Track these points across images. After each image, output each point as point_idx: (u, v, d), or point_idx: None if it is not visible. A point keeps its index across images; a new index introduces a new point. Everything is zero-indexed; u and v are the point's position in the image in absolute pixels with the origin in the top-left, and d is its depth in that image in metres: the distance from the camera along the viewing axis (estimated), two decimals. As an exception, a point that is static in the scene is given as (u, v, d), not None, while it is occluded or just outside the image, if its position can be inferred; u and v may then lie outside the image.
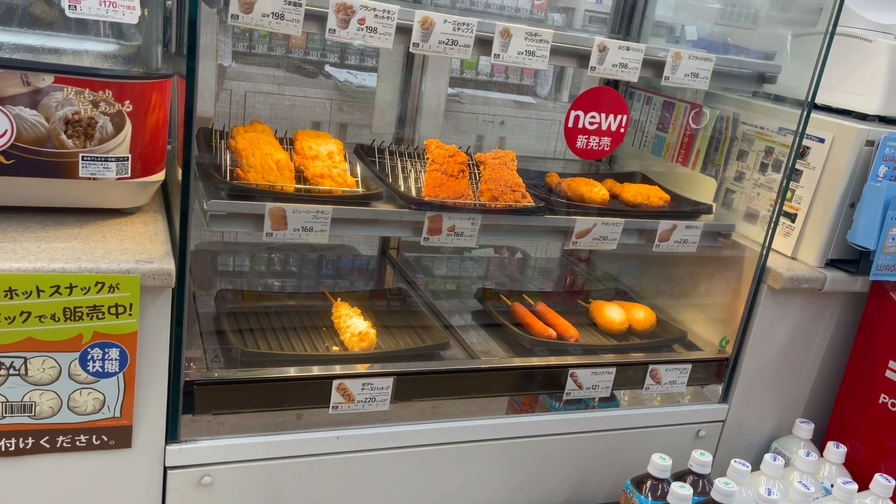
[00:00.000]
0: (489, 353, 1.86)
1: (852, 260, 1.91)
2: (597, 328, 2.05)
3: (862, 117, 1.96)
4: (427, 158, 1.73)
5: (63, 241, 1.36)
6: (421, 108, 2.35)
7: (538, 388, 1.82)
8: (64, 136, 1.34)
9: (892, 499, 1.78)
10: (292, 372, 1.57)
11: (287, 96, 3.12)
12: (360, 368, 1.62)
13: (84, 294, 1.29)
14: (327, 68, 3.37)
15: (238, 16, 1.33)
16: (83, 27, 1.46)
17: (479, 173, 1.78)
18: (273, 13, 1.35)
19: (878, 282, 1.91)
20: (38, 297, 1.26)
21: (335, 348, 1.71)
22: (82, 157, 1.36)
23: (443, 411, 1.74)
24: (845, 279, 1.90)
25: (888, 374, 1.89)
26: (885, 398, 1.90)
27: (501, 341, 1.93)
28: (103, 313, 1.31)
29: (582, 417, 1.86)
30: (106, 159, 1.38)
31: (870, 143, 1.82)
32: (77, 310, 1.29)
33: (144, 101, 1.39)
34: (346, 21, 1.41)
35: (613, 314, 2.02)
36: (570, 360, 1.83)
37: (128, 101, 1.36)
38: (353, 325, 1.72)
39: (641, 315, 2.04)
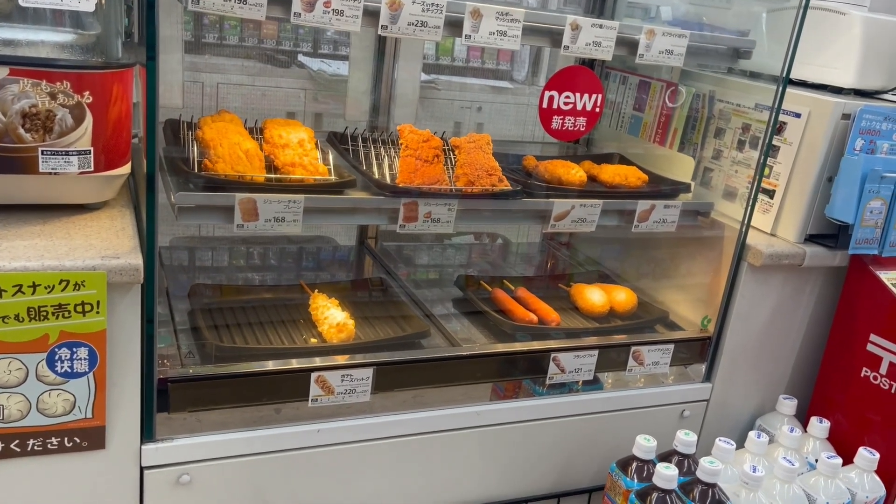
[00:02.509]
0: (471, 340, 1.84)
1: (831, 234, 1.90)
2: (578, 311, 2.04)
3: (837, 91, 1.95)
4: (401, 144, 1.70)
5: (25, 239, 1.31)
6: (395, 96, 2.31)
7: (521, 373, 1.81)
8: (22, 131, 1.29)
9: (876, 471, 1.78)
10: (269, 366, 1.54)
11: (259, 87, 3.07)
12: (339, 360, 1.60)
13: (48, 293, 1.24)
14: (300, 58, 3.33)
15: (199, 0, 1.29)
16: (40, 17, 1.41)
17: (454, 158, 1.75)
18: (235, -3, 1.31)
19: (857, 255, 1.91)
20: (0, 297, 1.22)
21: (313, 340, 1.68)
22: (42, 151, 1.32)
23: (425, 400, 1.71)
24: (825, 254, 1.90)
25: (869, 347, 1.89)
26: (866, 371, 1.90)
27: (483, 328, 1.91)
28: (69, 312, 1.27)
29: (566, 401, 1.84)
30: (67, 153, 1.34)
31: (846, 116, 1.81)
32: (42, 309, 1.25)
33: (105, 92, 1.35)
34: (311, 4, 1.37)
35: (594, 297, 2.01)
36: (552, 344, 1.81)
37: (87, 92, 1.32)
38: (331, 317, 1.69)
39: (622, 297, 2.03)
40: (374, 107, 2.34)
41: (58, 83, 1.29)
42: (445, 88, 3.55)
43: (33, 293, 1.24)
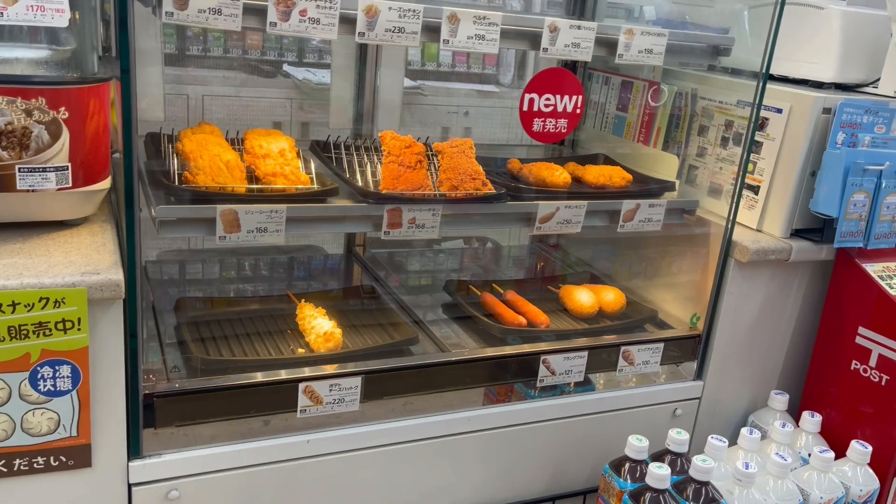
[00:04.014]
0: (460, 345, 1.84)
1: (817, 229, 1.91)
2: (567, 313, 2.03)
3: (818, 85, 1.96)
4: (383, 151, 1.70)
5: (4, 258, 1.30)
6: (379, 103, 2.31)
7: (511, 377, 1.80)
8: (-2, 148, 1.28)
9: (869, 464, 1.78)
10: (256, 377, 1.53)
11: (245, 98, 3.07)
12: (327, 369, 1.59)
13: (28, 311, 1.23)
14: (285, 67, 3.33)
15: (173, 13, 1.28)
16: (14, 34, 1.40)
17: (437, 163, 1.75)
18: (210, 9, 1.31)
19: (843, 249, 1.91)
20: (-20, 317, 1.21)
21: (300, 350, 1.67)
22: (19, 168, 1.31)
23: (416, 407, 1.71)
24: (811, 248, 1.90)
25: (858, 340, 1.89)
26: (856, 364, 1.90)
27: (472, 332, 1.91)
28: (50, 330, 1.26)
29: (557, 404, 1.84)
30: (44, 170, 1.33)
31: (827, 110, 1.82)
32: (22, 328, 1.24)
33: (81, 108, 1.34)
34: (286, 13, 1.37)
35: (583, 298, 2.01)
36: (541, 346, 1.80)
37: (63, 108, 1.31)
38: (318, 326, 1.68)
39: (611, 297, 2.03)
40: (359, 114, 2.33)
41: (33, 100, 1.29)
42: (432, 94, 3.56)
43: (13, 312, 1.23)
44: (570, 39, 1.61)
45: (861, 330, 1.89)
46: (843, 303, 1.94)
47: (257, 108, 3.05)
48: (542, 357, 1.77)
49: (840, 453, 1.80)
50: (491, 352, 1.78)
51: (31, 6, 1.26)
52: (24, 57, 1.38)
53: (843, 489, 1.75)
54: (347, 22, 1.43)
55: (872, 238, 1.87)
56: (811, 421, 1.88)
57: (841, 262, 1.94)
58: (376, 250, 2.43)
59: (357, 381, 1.58)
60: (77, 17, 1.37)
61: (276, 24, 1.36)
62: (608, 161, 2.14)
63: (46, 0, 1.27)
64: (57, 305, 1.24)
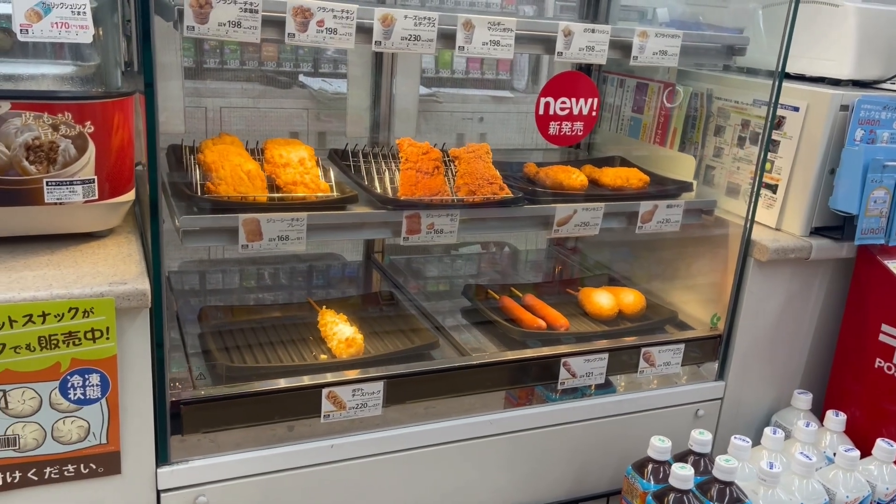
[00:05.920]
0: (480, 349, 1.84)
1: (836, 226, 1.89)
2: (587, 315, 2.04)
3: (835, 83, 1.95)
4: (400, 157, 1.71)
5: (34, 270, 1.33)
6: (395, 111, 2.33)
7: (532, 380, 1.80)
8: (26, 163, 1.32)
9: (895, 462, 1.77)
10: (280, 384, 1.55)
11: (262, 109, 3.11)
12: (349, 375, 1.60)
13: (58, 321, 1.26)
14: (301, 78, 3.36)
15: (194, 27, 1.31)
16: (41, 51, 1.44)
17: (454, 169, 1.76)
18: (229, 22, 1.33)
19: (864, 246, 1.90)
20: (11, 327, 1.24)
21: (323, 356, 1.69)
22: (47, 182, 1.34)
23: (438, 411, 1.72)
24: (831, 246, 1.89)
25: (882, 337, 1.88)
26: (880, 362, 1.88)
27: (492, 336, 1.92)
28: (80, 339, 1.28)
29: (579, 406, 1.84)
30: (71, 183, 1.36)
31: (844, 107, 1.81)
32: (52, 338, 1.27)
33: (106, 122, 1.37)
34: (304, 24, 1.39)
35: (602, 300, 2.01)
36: (561, 349, 1.81)
37: (89, 123, 1.34)
38: (340, 332, 1.70)
39: (631, 299, 2.03)
40: (375, 123, 2.36)
41: (59, 115, 1.32)
42: (447, 101, 3.58)
43: (43, 322, 1.26)
44: (585, 43, 1.62)
45: (884, 327, 1.87)
46: (866, 300, 1.92)
47: (275, 119, 3.09)
48: (563, 360, 1.78)
49: (865, 452, 1.79)
50: (511, 355, 1.79)
51: (56, 23, 1.29)
52: (49, 73, 1.41)
53: (870, 488, 1.73)
54: (364, 31, 1.45)
55: (894, 235, 1.86)
56: (836, 420, 1.87)
57: (862, 260, 1.93)
58: (395, 257, 2.45)
59: (379, 385, 1.59)
60: (100, 33, 1.40)
61: (294, 35, 1.39)
62: (625, 163, 2.14)
63: (71, 17, 1.30)
64: (86, 315, 1.27)
